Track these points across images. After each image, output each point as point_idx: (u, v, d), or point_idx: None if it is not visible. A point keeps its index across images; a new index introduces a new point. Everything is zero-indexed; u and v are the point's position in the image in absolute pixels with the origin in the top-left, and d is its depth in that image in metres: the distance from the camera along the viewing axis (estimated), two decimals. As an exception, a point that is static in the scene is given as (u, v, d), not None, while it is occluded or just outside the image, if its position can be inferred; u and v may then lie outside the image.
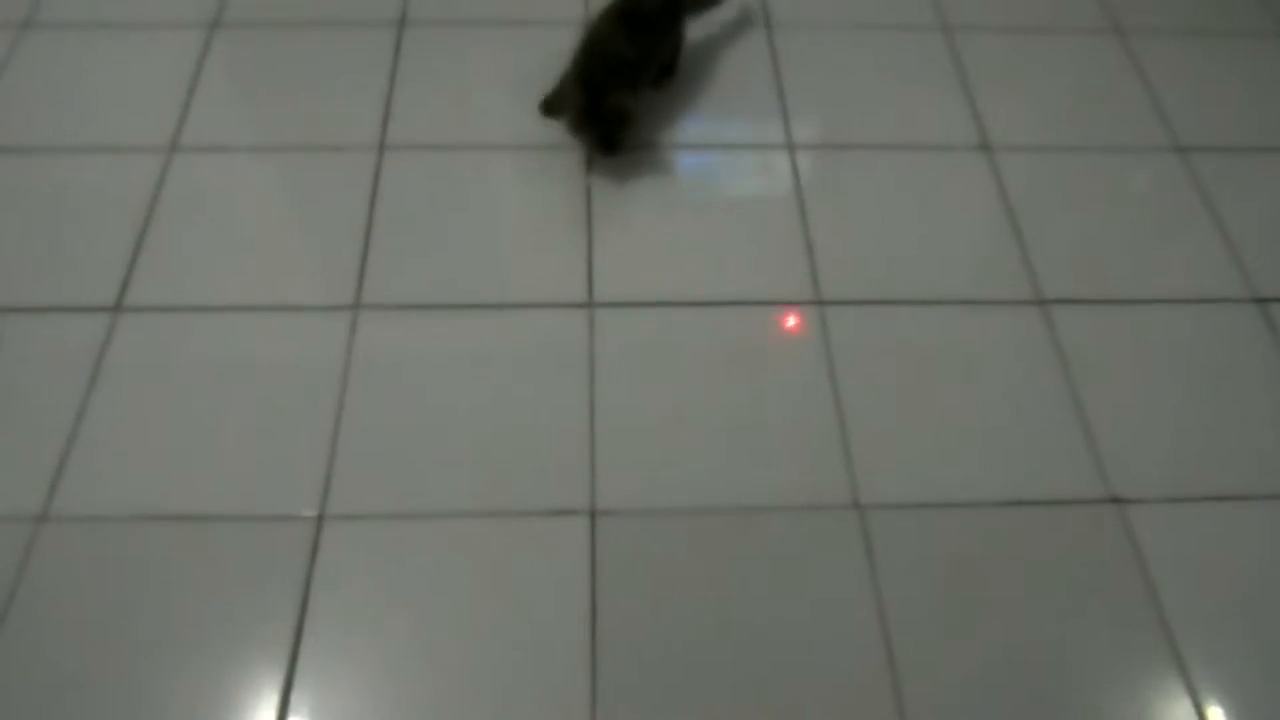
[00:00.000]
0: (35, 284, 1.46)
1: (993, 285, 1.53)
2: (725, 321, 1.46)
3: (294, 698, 1.12)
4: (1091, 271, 1.55)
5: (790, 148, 1.70)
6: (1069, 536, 1.28)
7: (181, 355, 1.39)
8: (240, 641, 1.15)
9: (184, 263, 1.49)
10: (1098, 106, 1.80)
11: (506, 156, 1.67)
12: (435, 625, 1.18)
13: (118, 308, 1.43)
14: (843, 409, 1.37)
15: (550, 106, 1.60)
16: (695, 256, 1.54)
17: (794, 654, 1.17)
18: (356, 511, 1.26)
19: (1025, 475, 1.33)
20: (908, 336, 1.46)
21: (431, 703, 1.12)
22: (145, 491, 1.26)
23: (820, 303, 1.49)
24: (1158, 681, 1.17)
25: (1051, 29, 1.93)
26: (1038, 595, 1.23)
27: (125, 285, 1.46)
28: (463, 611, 1.19)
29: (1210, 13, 1.99)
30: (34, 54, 1.78)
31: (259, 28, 1.84)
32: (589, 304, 1.47)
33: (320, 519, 1.25)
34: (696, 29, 1.82)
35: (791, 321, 1.47)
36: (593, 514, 1.26)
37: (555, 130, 1.65)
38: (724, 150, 1.72)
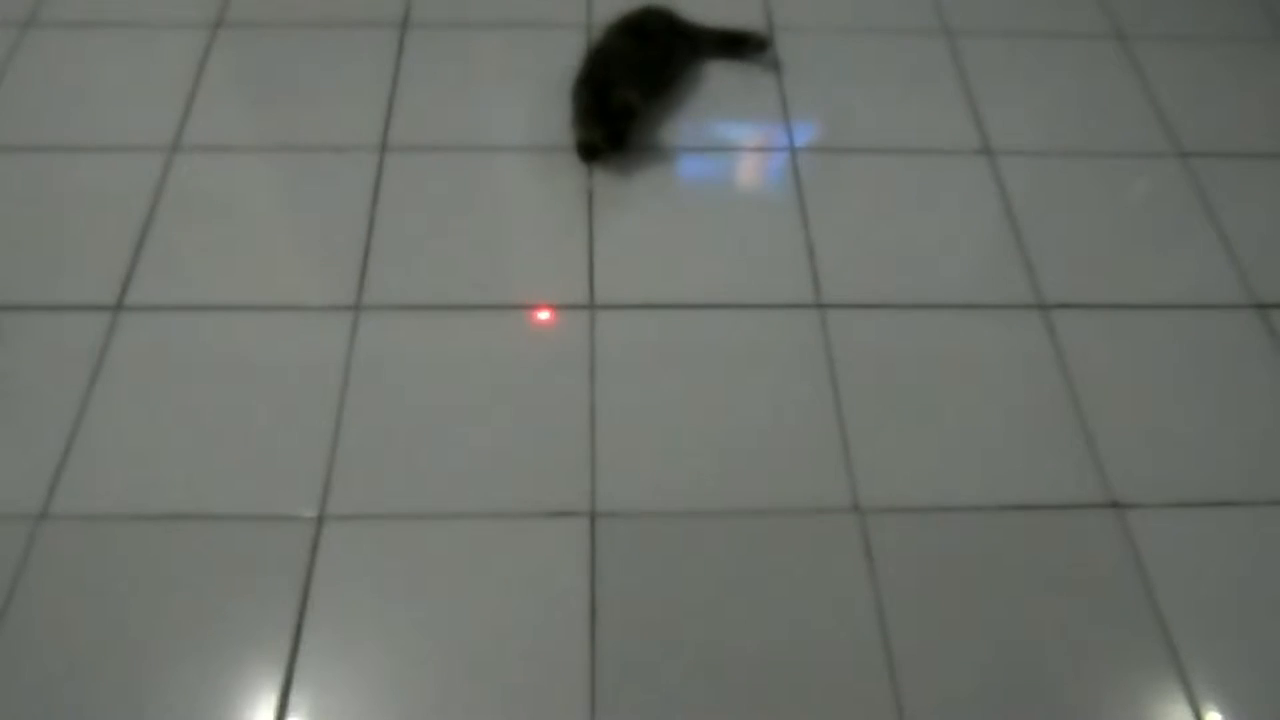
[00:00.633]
0: (37, 282, 1.46)
1: (993, 289, 1.53)
2: (726, 324, 1.46)
3: (293, 697, 1.12)
4: (1092, 276, 1.55)
5: (792, 151, 1.70)
6: (1068, 541, 1.28)
7: (182, 354, 1.39)
8: (239, 641, 1.15)
9: (186, 262, 1.49)
10: (1099, 111, 1.81)
11: (508, 158, 1.67)
12: (434, 626, 1.18)
13: (119, 306, 1.43)
14: (843, 412, 1.37)
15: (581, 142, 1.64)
16: (696, 259, 1.54)
17: (793, 657, 1.17)
18: (356, 512, 1.26)
19: (1025, 479, 1.33)
20: (908, 340, 1.46)
21: (430, 703, 1.12)
22: (145, 490, 1.26)
23: (821, 306, 1.49)
24: (1156, 686, 1.17)
25: (1053, 34, 1.94)
26: (1037, 599, 1.23)
27: (127, 284, 1.46)
28: (462, 612, 1.19)
29: (1212, 18, 1.99)
30: (37, 53, 1.78)
31: (262, 27, 1.84)
32: (590, 305, 1.47)
33: (320, 519, 1.25)
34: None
35: (789, 324, 1.47)
36: (593, 516, 1.26)
37: (557, 132, 1.65)
38: (726, 153, 1.72)
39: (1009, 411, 1.39)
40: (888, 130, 1.74)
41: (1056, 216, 1.63)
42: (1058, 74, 1.87)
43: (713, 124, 1.75)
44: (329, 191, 1.60)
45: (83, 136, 1.65)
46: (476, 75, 1.80)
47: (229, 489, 1.27)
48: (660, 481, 1.30)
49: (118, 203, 1.55)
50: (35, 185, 1.58)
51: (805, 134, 1.73)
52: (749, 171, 1.70)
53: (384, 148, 1.65)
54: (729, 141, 1.73)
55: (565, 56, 1.77)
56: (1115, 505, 1.31)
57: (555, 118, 1.65)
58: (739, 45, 1.84)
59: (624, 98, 1.60)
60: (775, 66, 1.84)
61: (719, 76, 1.82)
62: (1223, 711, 1.15)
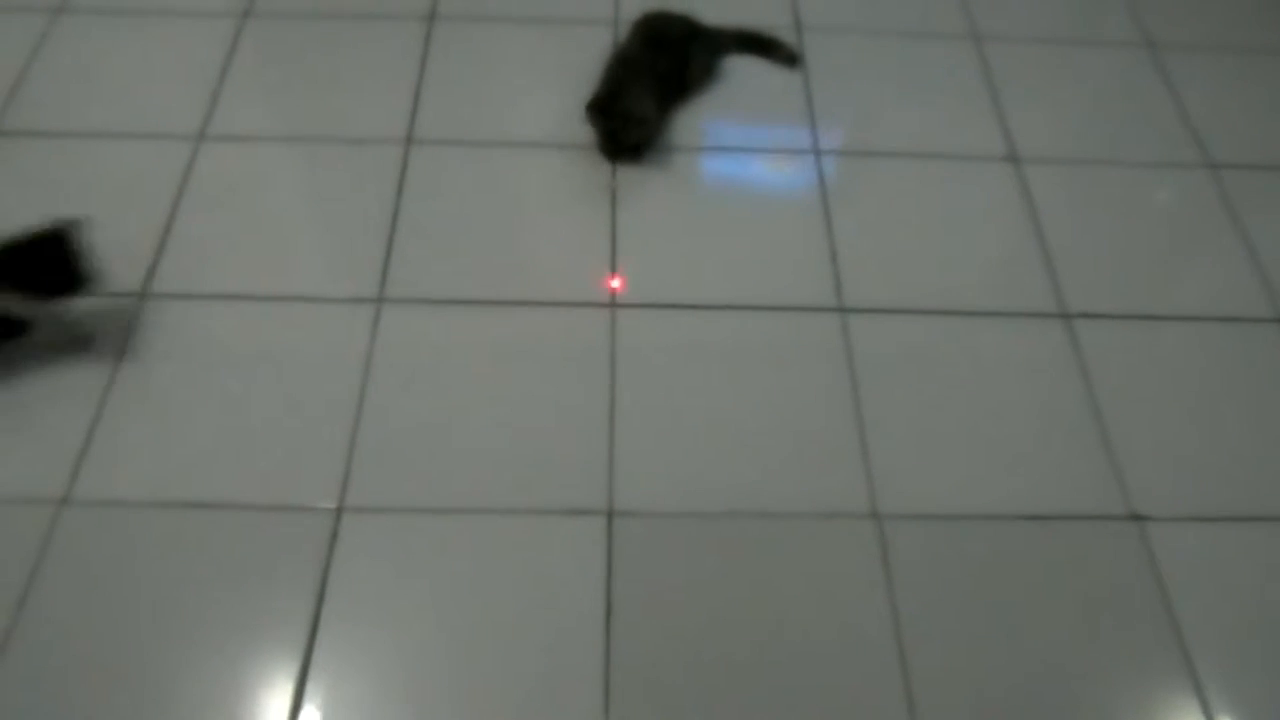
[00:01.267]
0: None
1: (1017, 297, 1.52)
2: (747, 326, 1.46)
3: (309, 687, 1.12)
4: (1117, 286, 1.54)
5: (817, 153, 1.70)
6: (1088, 552, 1.27)
7: (205, 343, 1.40)
8: (256, 629, 1.16)
9: (210, 251, 1.50)
10: (1127, 120, 1.79)
11: (533, 154, 1.67)
12: (450, 620, 1.18)
13: (144, 294, 1.44)
14: (863, 417, 1.37)
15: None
16: (719, 260, 1.54)
17: (807, 660, 1.17)
18: (375, 504, 1.26)
19: (1045, 489, 1.32)
20: (930, 346, 1.45)
21: (445, 697, 1.13)
22: (165, 478, 1.27)
23: (843, 310, 1.48)
24: (1172, 699, 1.16)
25: (1083, 40, 1.93)
26: (1054, 610, 1.22)
27: (152, 271, 1.47)
28: (478, 607, 1.19)
29: (1244, 28, 1.97)
30: (67, 39, 1.79)
31: (290, 18, 1.85)
32: (611, 304, 1.47)
33: (339, 510, 1.25)
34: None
35: (810, 327, 1.47)
36: (610, 514, 1.27)
37: (581, 129, 1.65)
38: (750, 154, 1.72)
39: (1030, 420, 1.39)
40: (913, 135, 1.74)
41: (1081, 225, 1.62)
42: (1086, 81, 1.86)
43: (738, 125, 1.75)
44: (353, 184, 1.60)
45: (110, 124, 1.66)
46: (502, 70, 1.80)
47: (248, 478, 1.28)
48: (678, 482, 1.30)
49: (144, 190, 1.56)
50: (62, 171, 1.59)
51: (831, 137, 1.73)
52: (773, 173, 1.69)
53: (409, 141, 1.66)
54: (753, 143, 1.73)
55: (591, 52, 1.77)
56: (1135, 517, 1.30)
57: (580, 114, 1.65)
58: (765, 48, 1.84)
59: (629, 105, 1.60)
60: (802, 68, 1.83)
61: (745, 77, 1.81)
62: (1239, 728, 1.15)
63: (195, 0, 1.87)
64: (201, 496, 1.26)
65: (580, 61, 1.76)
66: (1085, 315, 1.50)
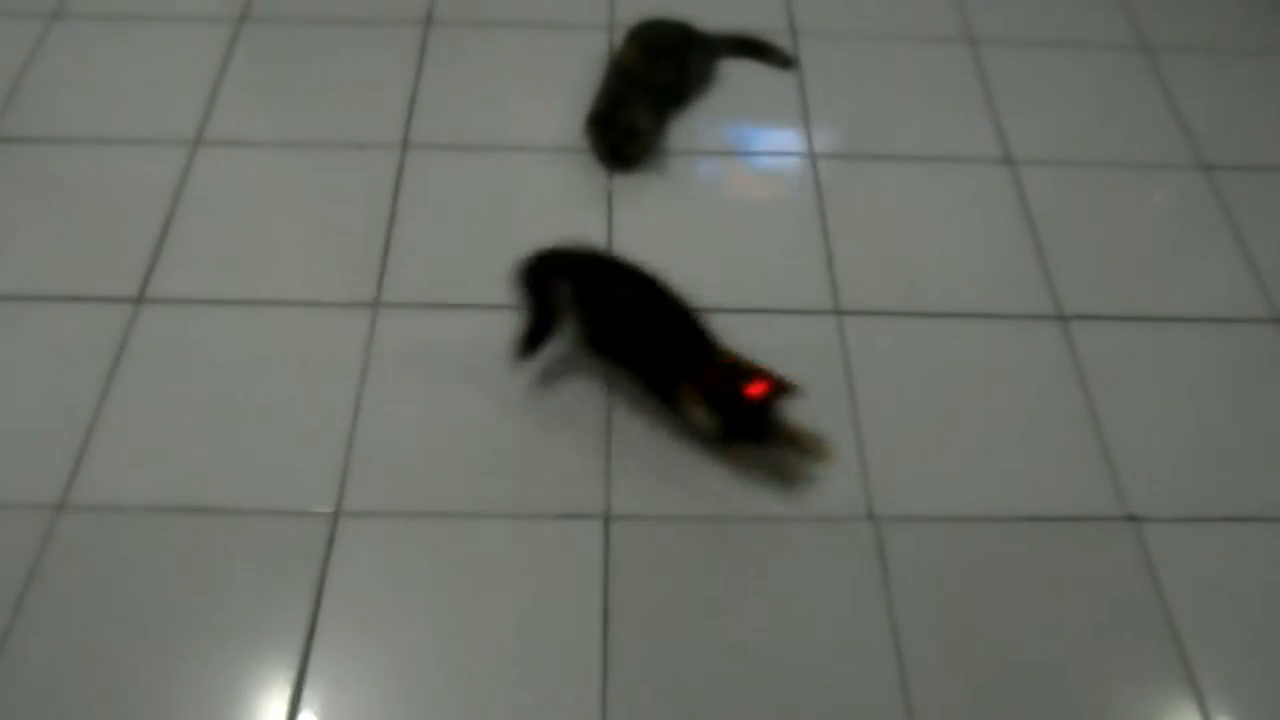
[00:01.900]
0: (59, 273, 1.47)
1: (1012, 299, 1.52)
2: (743, 329, 1.45)
3: (306, 693, 1.12)
4: (1112, 287, 1.54)
5: (812, 157, 1.70)
6: (1084, 553, 1.27)
7: (202, 348, 1.40)
8: (253, 634, 1.16)
9: (207, 256, 1.50)
10: (1122, 122, 1.80)
11: (529, 158, 1.67)
12: (447, 624, 1.18)
13: (140, 299, 1.44)
14: (859, 419, 1.37)
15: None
16: (715, 262, 1.54)
17: (805, 664, 1.17)
18: (372, 509, 1.26)
19: (1042, 491, 1.32)
20: (926, 348, 1.46)
21: (442, 702, 1.12)
22: (162, 483, 1.27)
23: (839, 312, 1.48)
24: (1170, 701, 1.16)
25: (1077, 43, 1.93)
26: (1051, 611, 1.22)
27: (148, 277, 1.47)
28: (476, 611, 1.19)
29: (1238, 29, 1.98)
30: (62, 45, 1.79)
31: (286, 23, 1.85)
32: (608, 307, 1.47)
33: (336, 515, 1.25)
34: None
35: (805, 329, 1.47)
36: (607, 518, 1.26)
37: (577, 133, 1.65)
38: (746, 157, 1.72)
39: (1026, 422, 1.39)
40: (909, 137, 1.74)
41: (1077, 227, 1.62)
42: (1081, 84, 1.86)
43: (733, 128, 1.75)
44: (350, 188, 1.60)
45: (106, 129, 1.66)
46: (499, 74, 1.80)
47: (245, 483, 1.27)
48: (674, 485, 1.30)
49: (140, 195, 1.56)
50: (58, 176, 1.59)
51: (826, 140, 1.73)
52: (769, 176, 1.70)
53: (405, 145, 1.66)
54: (749, 146, 1.73)
55: (588, 57, 1.77)
56: (1132, 518, 1.30)
57: (576, 118, 1.65)
58: (760, 52, 1.84)
59: (630, 117, 1.61)
60: (797, 72, 1.83)
61: (741, 80, 1.82)
62: (1237, 728, 1.15)
63: (192, 5, 1.87)
64: (197, 501, 1.25)
65: (576, 66, 1.77)
66: (1081, 317, 1.50)
